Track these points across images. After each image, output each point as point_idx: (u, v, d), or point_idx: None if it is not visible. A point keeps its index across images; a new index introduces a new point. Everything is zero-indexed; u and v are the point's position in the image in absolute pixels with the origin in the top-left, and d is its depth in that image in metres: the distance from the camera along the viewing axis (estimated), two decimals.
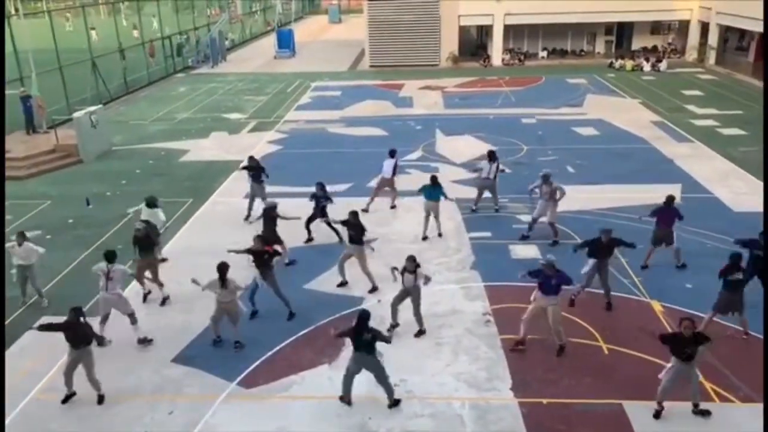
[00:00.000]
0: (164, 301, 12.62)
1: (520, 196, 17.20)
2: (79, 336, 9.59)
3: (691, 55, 39.99)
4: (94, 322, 10.70)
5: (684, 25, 41.13)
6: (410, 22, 39.54)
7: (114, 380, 10.29)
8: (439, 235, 15.23)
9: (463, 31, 41.84)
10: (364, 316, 9.34)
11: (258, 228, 13.86)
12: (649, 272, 13.22)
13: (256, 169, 16.33)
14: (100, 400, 9.89)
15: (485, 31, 43.71)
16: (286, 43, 47.29)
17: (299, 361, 10.73)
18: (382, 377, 9.50)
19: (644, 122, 25.44)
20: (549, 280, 10.38)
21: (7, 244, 12.64)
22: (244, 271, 12.42)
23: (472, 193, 17.01)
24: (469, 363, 10.61)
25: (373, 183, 17.61)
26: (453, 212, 16.66)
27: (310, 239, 15.12)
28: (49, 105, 25.78)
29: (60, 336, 9.63)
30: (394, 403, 9.58)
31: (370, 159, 19.74)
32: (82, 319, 9.65)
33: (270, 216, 13.69)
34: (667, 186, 17.75)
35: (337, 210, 14.54)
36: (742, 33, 39.51)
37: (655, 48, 42.03)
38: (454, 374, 10.33)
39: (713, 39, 37.96)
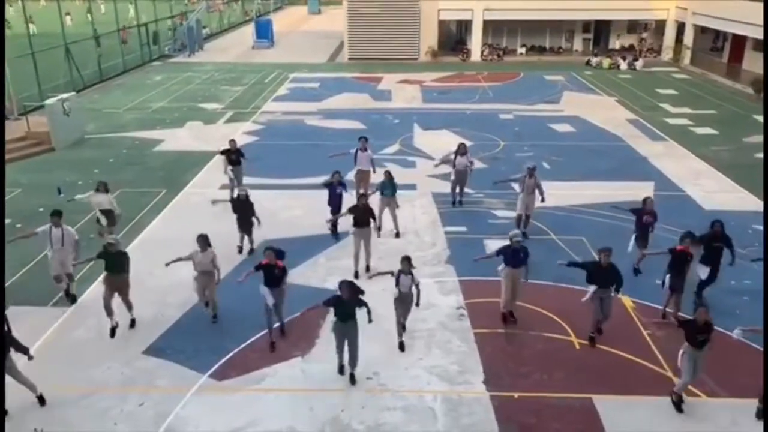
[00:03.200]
0: (133, 323, 11.46)
1: (496, 191, 17.31)
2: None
3: (667, 54, 40.49)
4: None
5: (660, 25, 41.63)
6: (390, 15, 39.45)
7: (84, 372, 10.19)
8: (397, 235, 14.96)
9: (443, 25, 41.86)
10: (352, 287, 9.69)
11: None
12: (620, 269, 13.24)
13: (235, 153, 16.33)
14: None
15: (465, 27, 43.80)
16: (264, 33, 46.92)
17: (272, 354, 10.68)
18: (354, 345, 9.84)
19: (620, 120, 25.73)
20: (517, 253, 10.99)
21: None
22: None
23: (448, 186, 16.97)
24: (441, 357, 10.66)
25: (350, 177, 17.45)
26: (429, 206, 16.70)
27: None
28: (21, 91, 25.28)
29: (29, 326, 9.50)
30: (352, 377, 9.96)
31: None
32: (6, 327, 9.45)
33: (246, 204, 13.78)
34: (640, 184, 18.06)
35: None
36: (717, 34, 40.11)
37: (632, 47, 42.48)
38: (427, 368, 10.37)
39: (689, 39, 38.48)
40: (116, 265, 10.99)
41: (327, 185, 14.71)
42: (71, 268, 12.12)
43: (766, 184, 17.32)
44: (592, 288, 10.63)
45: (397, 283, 10.51)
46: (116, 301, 11.19)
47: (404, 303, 10.74)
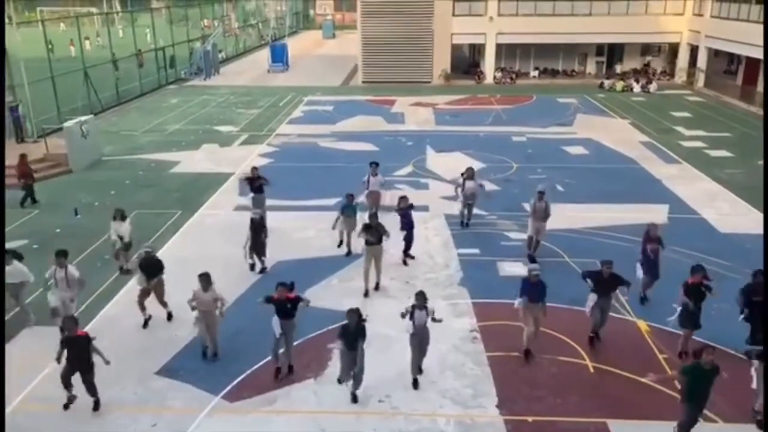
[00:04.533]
0: (170, 316, 12.40)
1: (509, 213, 17.31)
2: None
3: (681, 77, 40.48)
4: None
5: (674, 48, 41.68)
6: (403, 39, 39.80)
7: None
8: (348, 253, 15.10)
9: (456, 49, 42.18)
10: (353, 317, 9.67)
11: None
12: (636, 292, 13.09)
13: (258, 181, 16.41)
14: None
15: (477, 50, 44.11)
16: (279, 57, 47.55)
17: (284, 376, 10.66)
18: (360, 369, 9.83)
19: (633, 143, 25.68)
20: (535, 288, 10.83)
21: None
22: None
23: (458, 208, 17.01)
24: (454, 379, 10.60)
25: (362, 198, 17.49)
26: (441, 228, 16.72)
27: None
28: (40, 114, 25.73)
29: (44, 346, 9.59)
30: (354, 396, 10.03)
31: (361, 174, 19.74)
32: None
33: (258, 227, 13.87)
34: (654, 206, 17.97)
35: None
36: (731, 57, 40.10)
37: (645, 69, 42.53)
38: (440, 391, 10.31)
39: (702, 62, 38.48)
40: (153, 269, 12.01)
41: (399, 211, 14.70)
42: (72, 309, 11.66)
43: (766, 195, 17.22)
44: (592, 296, 11.12)
45: (412, 318, 10.05)
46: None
47: (420, 341, 10.26)
